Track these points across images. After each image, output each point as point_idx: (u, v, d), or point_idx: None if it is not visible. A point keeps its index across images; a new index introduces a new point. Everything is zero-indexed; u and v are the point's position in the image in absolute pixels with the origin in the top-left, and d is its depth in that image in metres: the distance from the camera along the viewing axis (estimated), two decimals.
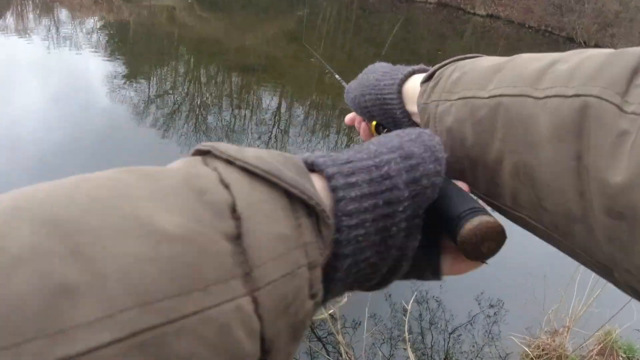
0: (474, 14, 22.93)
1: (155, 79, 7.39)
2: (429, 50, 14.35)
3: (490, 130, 0.38)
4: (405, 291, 3.33)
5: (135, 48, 8.62)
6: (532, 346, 3.22)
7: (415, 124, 0.56)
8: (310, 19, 15.59)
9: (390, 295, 3.43)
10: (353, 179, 0.29)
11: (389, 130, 0.53)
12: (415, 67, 0.57)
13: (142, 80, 6.95)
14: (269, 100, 7.29)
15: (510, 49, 18.67)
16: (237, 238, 0.22)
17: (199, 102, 6.83)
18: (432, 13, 21.79)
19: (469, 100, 0.42)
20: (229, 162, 0.26)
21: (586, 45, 23.28)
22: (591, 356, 3.07)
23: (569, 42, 23.50)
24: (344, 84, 0.87)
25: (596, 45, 23.63)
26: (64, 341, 0.16)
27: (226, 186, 0.24)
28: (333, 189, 0.28)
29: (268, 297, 0.22)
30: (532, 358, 3.15)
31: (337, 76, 0.93)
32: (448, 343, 3.36)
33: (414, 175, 0.31)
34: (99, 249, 0.18)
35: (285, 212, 0.25)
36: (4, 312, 0.16)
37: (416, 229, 0.32)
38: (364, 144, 0.35)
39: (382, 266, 0.31)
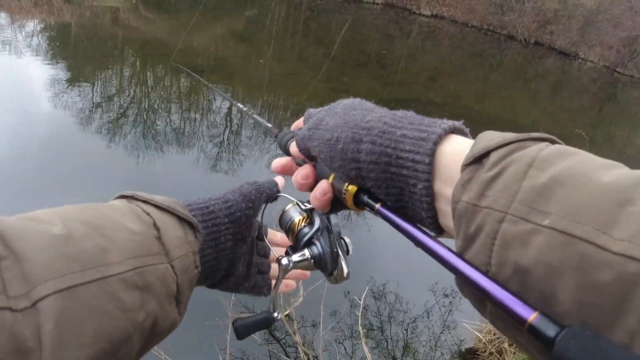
0: (420, 14, 23.60)
1: (99, 83, 7.10)
2: (377, 51, 14.63)
3: (616, 308, 0.25)
4: (361, 287, 3.38)
5: (78, 51, 8.25)
6: (484, 331, 3.36)
7: (435, 214, 0.38)
8: (259, 20, 15.49)
9: (348, 292, 3.48)
10: (193, 213, 0.53)
11: (385, 206, 0.41)
12: (454, 122, 0.40)
13: (86, 85, 6.66)
14: (220, 102, 7.18)
15: (455, 48, 19.37)
16: (159, 238, 0.44)
17: (146, 106, 6.62)
18: (379, 13, 22.22)
19: (575, 241, 0.27)
20: (145, 201, 0.47)
21: (526, 42, 24.52)
22: None
23: (509, 40, 24.65)
24: (243, 108, 0.78)
25: (536, 43, 24.95)
26: (108, 269, 0.37)
27: (147, 214, 0.45)
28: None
29: (177, 264, 0.44)
30: (484, 342, 3.29)
31: (240, 105, 0.82)
32: (407, 335, 3.44)
33: (230, 211, 0.55)
34: (109, 233, 0.39)
35: (178, 225, 0.48)
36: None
37: (241, 241, 0.58)
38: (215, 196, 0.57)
39: (221, 261, 0.55)
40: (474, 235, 0.33)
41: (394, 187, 0.40)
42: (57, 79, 6.44)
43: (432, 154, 0.37)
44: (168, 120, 6.21)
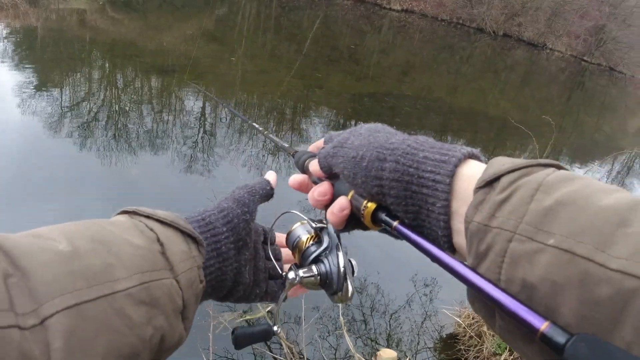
0: (390, 9, 23.78)
1: (68, 87, 6.93)
2: (349, 46, 14.68)
3: (614, 320, 0.28)
4: None
5: (45, 55, 8.01)
6: (463, 316, 3.44)
7: (449, 233, 0.41)
8: (229, 18, 15.35)
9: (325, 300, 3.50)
10: (194, 226, 0.52)
11: (403, 224, 0.43)
12: (472, 149, 0.42)
13: (55, 89, 6.49)
14: (192, 103, 7.10)
15: (426, 42, 19.59)
16: (163, 253, 0.44)
17: (117, 109, 6.50)
18: (350, 9, 22.29)
19: (577, 259, 0.30)
20: (148, 216, 0.47)
21: (495, 34, 25.00)
22: None
23: (479, 33, 25.09)
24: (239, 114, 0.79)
25: (504, 35, 25.46)
26: (115, 285, 0.37)
27: (151, 229, 0.45)
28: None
29: (182, 279, 0.44)
30: (464, 327, 3.37)
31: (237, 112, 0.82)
32: (390, 325, 3.49)
33: (227, 219, 0.54)
34: (115, 248, 0.39)
35: (182, 240, 0.47)
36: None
37: (243, 247, 0.56)
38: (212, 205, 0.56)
39: (226, 270, 0.54)
40: (485, 253, 0.35)
41: (412, 205, 0.42)
42: (24, 84, 6.26)
43: (451, 175, 0.40)
44: (140, 122, 6.11)
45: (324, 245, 0.57)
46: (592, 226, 0.30)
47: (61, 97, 6.35)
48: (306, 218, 0.62)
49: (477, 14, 24.79)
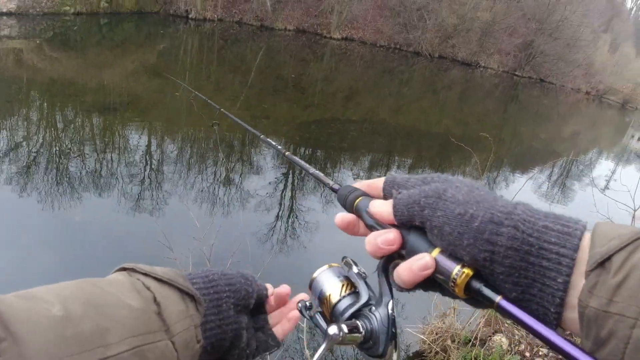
0: (331, 37, 24.48)
1: (4, 130, 6.59)
2: (293, 76, 14.91)
3: None
4: None
5: None
6: (427, 333, 3.49)
7: (562, 310, 0.38)
8: (171, 52, 15.22)
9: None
10: (195, 280, 0.54)
11: (507, 299, 0.39)
12: (585, 221, 0.39)
13: None
14: (137, 140, 6.93)
15: (367, 67, 20.24)
16: (159, 313, 0.44)
17: (57, 151, 6.23)
18: (292, 39, 22.73)
19: None
20: (146, 274, 0.48)
21: (431, 57, 26.25)
22: (479, 328, 3.41)
23: (416, 56, 26.26)
24: (256, 133, 0.77)
25: (440, 56, 26.79)
26: (107, 350, 0.36)
27: (148, 288, 0.46)
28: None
29: (178, 340, 0.44)
30: (429, 343, 3.41)
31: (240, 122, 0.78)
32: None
33: (230, 281, 0.56)
34: (108, 311, 0.39)
35: (180, 299, 0.48)
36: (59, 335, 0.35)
37: (244, 309, 0.57)
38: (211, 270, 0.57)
39: (226, 329, 0.54)
40: (606, 340, 0.33)
41: (525, 277, 0.38)
42: None
43: (577, 249, 0.37)
44: (83, 163, 5.88)
45: (364, 298, 0.50)
46: None
47: None
48: (352, 260, 0.54)
49: (413, 38, 26.04)
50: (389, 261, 0.49)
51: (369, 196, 0.54)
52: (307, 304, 0.56)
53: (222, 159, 6.96)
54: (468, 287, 0.41)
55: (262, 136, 1.04)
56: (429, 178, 0.48)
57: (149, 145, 6.84)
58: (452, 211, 0.42)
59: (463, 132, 11.46)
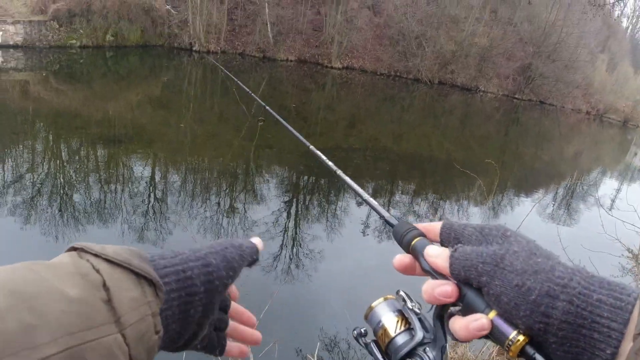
0: (331, 67, 24.89)
1: (10, 161, 6.67)
2: (297, 105, 15.10)
3: None
4: (312, 343, 3.32)
5: None
6: None
7: None
8: (175, 84, 15.50)
9: (300, 350, 3.40)
10: (166, 280, 0.45)
11: None
12: (638, 291, 0.41)
13: None
14: (141, 171, 6.98)
15: (368, 95, 20.48)
16: (108, 301, 0.37)
17: (62, 182, 6.28)
18: (293, 69, 23.12)
19: None
20: (96, 255, 0.41)
21: (431, 83, 26.59)
22: (492, 357, 3.33)
23: (416, 83, 26.60)
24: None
25: (439, 82, 27.13)
26: (34, 353, 0.30)
27: (97, 271, 0.39)
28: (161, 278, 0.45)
29: (130, 333, 0.38)
30: None
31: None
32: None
33: (208, 278, 0.48)
34: (40, 305, 0.32)
35: (135, 284, 0.41)
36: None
37: (210, 310, 0.49)
38: (192, 249, 0.50)
39: (194, 321, 0.48)
40: None
41: (577, 347, 0.40)
42: None
43: (627, 323, 0.39)
44: (87, 194, 5.91)
45: (418, 337, 0.50)
46: None
47: (2, 173, 6.09)
48: (404, 293, 0.55)
49: (413, 65, 26.45)
50: (444, 309, 0.50)
51: (426, 237, 0.55)
52: (362, 330, 0.56)
53: (226, 190, 6.99)
54: (522, 351, 0.43)
55: (311, 147, 1.04)
56: (486, 229, 0.49)
57: (152, 176, 6.89)
58: (510, 282, 0.44)
59: (466, 155, 11.50)
